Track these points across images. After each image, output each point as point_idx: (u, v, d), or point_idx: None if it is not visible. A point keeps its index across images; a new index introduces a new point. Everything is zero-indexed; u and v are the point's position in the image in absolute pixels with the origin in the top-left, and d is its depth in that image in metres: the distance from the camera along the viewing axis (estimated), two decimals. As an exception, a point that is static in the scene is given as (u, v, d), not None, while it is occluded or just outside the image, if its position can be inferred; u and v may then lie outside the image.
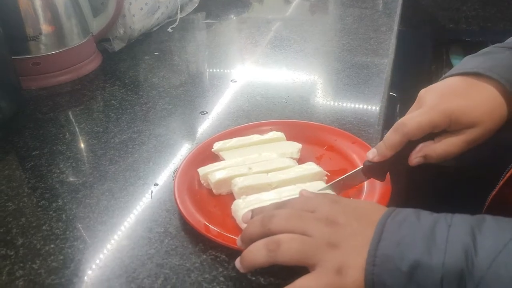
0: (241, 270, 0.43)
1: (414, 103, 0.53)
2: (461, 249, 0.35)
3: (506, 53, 0.53)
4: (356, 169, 0.54)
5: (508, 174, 0.66)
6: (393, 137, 0.50)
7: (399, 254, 0.37)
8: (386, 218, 0.40)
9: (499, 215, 0.39)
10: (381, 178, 0.54)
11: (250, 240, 0.43)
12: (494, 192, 0.66)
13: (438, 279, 0.35)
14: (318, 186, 0.54)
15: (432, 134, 0.50)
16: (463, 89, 0.51)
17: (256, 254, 0.41)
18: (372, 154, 0.52)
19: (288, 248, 0.40)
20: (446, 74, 0.54)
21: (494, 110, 0.49)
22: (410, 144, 0.50)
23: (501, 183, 0.63)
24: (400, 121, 0.50)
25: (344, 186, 0.54)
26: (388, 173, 0.54)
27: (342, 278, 0.38)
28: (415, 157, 0.50)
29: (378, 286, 0.37)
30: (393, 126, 0.50)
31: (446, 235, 0.36)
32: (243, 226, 0.48)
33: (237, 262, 0.44)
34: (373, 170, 0.53)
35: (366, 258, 0.38)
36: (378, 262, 0.37)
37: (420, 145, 0.50)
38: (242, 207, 0.50)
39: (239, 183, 0.54)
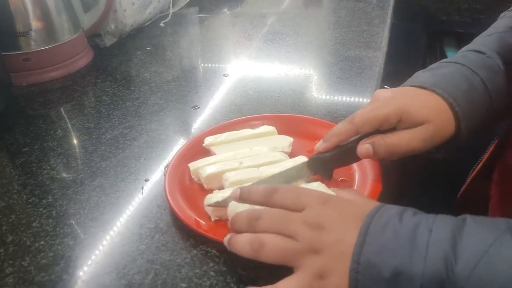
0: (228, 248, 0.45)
1: (369, 102, 0.55)
2: (441, 258, 0.35)
3: (450, 68, 0.55)
4: (302, 162, 0.54)
5: (476, 170, 0.69)
6: (342, 125, 0.51)
7: (381, 260, 0.37)
8: (370, 219, 0.40)
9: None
10: (327, 174, 0.53)
11: (237, 232, 0.45)
12: (464, 186, 0.70)
13: (418, 287, 0.35)
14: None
15: (383, 132, 0.50)
16: (413, 92, 0.53)
17: (242, 247, 0.43)
18: (319, 143, 0.53)
19: (270, 250, 0.41)
20: (399, 87, 0.56)
21: (441, 110, 0.50)
22: (359, 140, 0.51)
23: (469, 178, 0.66)
24: (354, 113, 0.51)
25: (287, 181, 0.53)
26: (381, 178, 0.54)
27: (324, 283, 0.39)
28: (364, 143, 0.50)
29: None
30: (347, 118, 0.52)
31: (426, 241, 0.37)
32: (211, 211, 0.50)
33: (226, 241, 0.45)
34: (320, 163, 0.53)
35: (349, 264, 0.38)
36: (361, 269, 0.38)
37: (372, 136, 0.51)
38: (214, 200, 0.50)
39: (230, 177, 0.53)
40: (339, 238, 0.40)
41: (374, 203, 0.44)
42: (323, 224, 0.41)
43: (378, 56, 0.90)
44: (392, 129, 0.50)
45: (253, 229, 0.43)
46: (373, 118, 0.49)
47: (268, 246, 0.41)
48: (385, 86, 0.94)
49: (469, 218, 0.39)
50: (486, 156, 0.69)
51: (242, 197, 0.46)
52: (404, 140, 0.49)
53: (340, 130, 0.51)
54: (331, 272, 0.39)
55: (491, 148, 0.69)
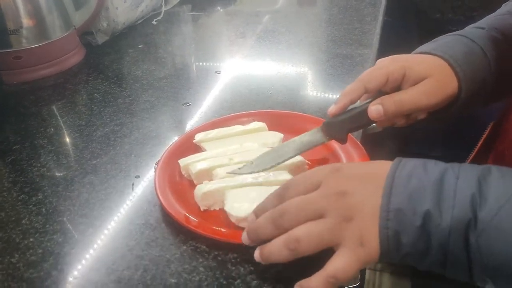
0: (262, 263, 0.43)
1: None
2: (468, 202, 0.36)
3: (449, 37, 0.57)
4: (316, 128, 0.55)
5: (470, 159, 0.70)
6: (350, 85, 0.53)
7: (411, 207, 0.37)
8: (394, 171, 0.40)
9: None
10: (342, 138, 0.54)
11: (264, 242, 0.42)
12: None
13: (447, 231, 0.36)
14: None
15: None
16: (413, 55, 0.55)
17: (279, 254, 0.40)
18: (331, 107, 0.54)
19: (308, 242, 0.39)
20: None
21: (442, 67, 0.52)
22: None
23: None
24: None
25: (303, 146, 0.54)
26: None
27: (367, 248, 0.38)
28: (373, 104, 0.51)
29: (392, 239, 0.38)
30: None
31: (454, 187, 0.37)
32: (199, 201, 0.51)
33: (257, 257, 0.42)
34: (333, 127, 0.54)
35: (379, 215, 0.38)
36: (391, 216, 0.38)
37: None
38: (203, 191, 0.51)
39: (220, 173, 0.54)
40: (364, 198, 0.40)
41: (386, 162, 0.43)
42: (344, 189, 0.40)
43: (369, 53, 0.91)
44: (398, 89, 0.52)
45: (281, 228, 0.41)
46: (379, 74, 0.51)
47: (304, 238, 0.39)
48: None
49: (493, 167, 0.39)
50: (480, 143, 0.70)
51: (257, 213, 0.44)
52: (410, 94, 0.51)
53: (349, 90, 0.53)
54: (369, 235, 0.38)
55: (486, 134, 0.70)
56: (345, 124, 0.54)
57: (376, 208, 0.39)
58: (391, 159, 0.45)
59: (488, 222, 0.35)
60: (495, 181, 0.37)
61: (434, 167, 0.40)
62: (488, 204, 0.36)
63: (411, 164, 0.41)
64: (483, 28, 0.58)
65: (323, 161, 0.59)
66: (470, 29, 0.59)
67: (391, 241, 0.38)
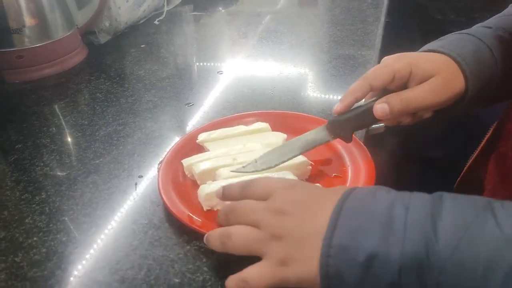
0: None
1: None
2: (421, 238, 0.33)
3: (456, 36, 0.57)
4: (321, 126, 0.55)
5: (472, 159, 0.70)
6: (355, 83, 0.52)
7: (355, 243, 0.35)
8: (342, 201, 0.39)
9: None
10: (347, 137, 0.54)
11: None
12: (460, 176, 0.70)
13: (396, 270, 0.33)
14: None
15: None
16: (420, 53, 0.55)
17: (213, 242, 0.43)
18: (337, 105, 0.54)
19: (236, 241, 0.42)
20: None
21: (449, 64, 0.52)
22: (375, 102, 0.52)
23: (466, 168, 0.66)
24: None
25: (307, 144, 0.54)
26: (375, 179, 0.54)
27: (285, 270, 0.39)
28: (379, 103, 0.51)
29: (334, 278, 0.36)
30: None
31: (403, 220, 0.35)
32: (203, 201, 0.51)
33: (204, 239, 0.45)
34: (338, 125, 0.54)
35: (320, 249, 0.37)
36: (333, 253, 0.36)
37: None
38: (206, 192, 0.51)
39: (223, 173, 0.54)
40: (299, 223, 0.39)
41: (347, 188, 0.42)
42: (285, 209, 0.41)
43: (372, 54, 0.91)
44: (404, 87, 0.51)
45: (229, 222, 0.44)
46: (385, 71, 0.51)
47: (234, 237, 0.42)
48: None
49: (446, 195, 0.37)
50: (482, 143, 0.70)
51: (224, 195, 0.47)
52: (417, 92, 0.50)
53: (354, 88, 0.52)
54: (292, 259, 0.38)
55: (489, 134, 0.69)
56: (350, 123, 0.54)
57: (309, 236, 0.38)
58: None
59: (448, 258, 0.32)
60: (449, 211, 0.35)
61: (383, 197, 0.38)
62: (446, 238, 0.33)
63: (361, 194, 0.39)
64: (490, 28, 0.57)
65: (326, 162, 0.59)
66: (477, 28, 0.58)
67: (332, 279, 0.36)
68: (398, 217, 0.35)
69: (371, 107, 0.52)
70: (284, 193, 0.43)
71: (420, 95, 0.50)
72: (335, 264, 0.36)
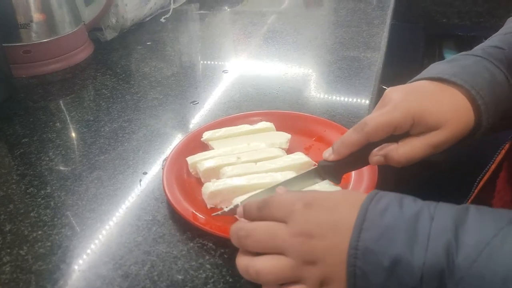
0: None
1: (379, 102, 0.51)
2: (443, 248, 0.34)
3: (471, 59, 0.52)
4: (310, 169, 0.53)
5: (483, 181, 0.68)
6: (352, 135, 0.48)
7: (380, 248, 0.36)
8: (367, 205, 0.38)
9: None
10: (337, 179, 0.52)
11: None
12: (472, 196, 0.68)
13: (418, 277, 0.34)
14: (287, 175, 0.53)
15: (396, 137, 0.48)
16: (428, 90, 0.50)
17: (242, 272, 0.41)
18: (328, 153, 0.51)
19: (267, 275, 0.39)
20: (413, 79, 0.53)
21: (459, 112, 0.48)
22: (370, 146, 0.48)
23: (477, 189, 0.64)
24: (363, 120, 0.48)
25: (297, 185, 0.51)
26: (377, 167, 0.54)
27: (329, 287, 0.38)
28: (376, 155, 0.48)
29: (360, 278, 0.36)
30: (355, 125, 0.49)
31: (428, 230, 0.35)
32: (206, 198, 0.51)
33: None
34: (328, 170, 0.51)
35: (347, 250, 0.37)
36: (359, 255, 0.36)
37: (383, 145, 0.48)
38: (210, 190, 0.51)
39: (227, 172, 0.54)
40: (331, 244, 0.38)
41: (365, 194, 0.41)
42: (310, 231, 0.39)
43: (377, 56, 0.91)
44: (405, 133, 0.48)
45: (245, 247, 0.41)
46: (385, 124, 0.47)
47: (263, 272, 0.39)
48: (383, 87, 0.95)
49: (472, 208, 0.37)
50: (495, 163, 0.66)
51: (245, 214, 0.44)
52: (417, 150, 0.47)
53: (350, 141, 0.48)
54: (331, 279, 0.38)
55: (500, 156, 0.66)
56: (341, 168, 0.51)
57: (341, 255, 0.37)
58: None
59: (466, 270, 0.33)
60: (472, 224, 0.35)
61: (410, 205, 0.38)
62: (466, 250, 0.33)
63: (386, 199, 0.39)
64: (503, 49, 0.53)
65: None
66: (489, 49, 0.54)
67: (358, 279, 0.36)
68: (423, 226, 0.36)
69: (365, 153, 0.49)
70: (306, 213, 0.40)
71: (421, 150, 0.47)
72: (361, 265, 0.36)
